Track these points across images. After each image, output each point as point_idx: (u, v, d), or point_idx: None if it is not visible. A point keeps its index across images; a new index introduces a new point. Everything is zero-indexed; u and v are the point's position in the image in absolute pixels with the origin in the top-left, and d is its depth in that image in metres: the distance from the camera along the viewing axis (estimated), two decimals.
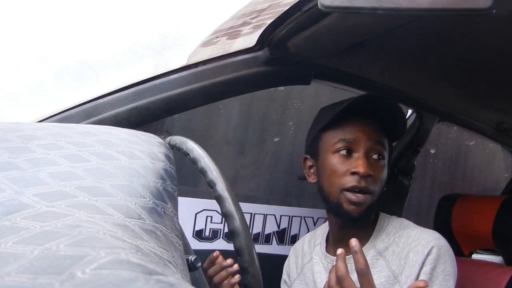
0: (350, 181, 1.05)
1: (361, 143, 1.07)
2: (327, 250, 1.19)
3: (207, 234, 1.47)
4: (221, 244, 1.46)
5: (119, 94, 0.99)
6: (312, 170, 1.17)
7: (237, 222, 0.58)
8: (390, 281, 1.06)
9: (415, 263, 1.03)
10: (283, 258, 1.33)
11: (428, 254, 1.03)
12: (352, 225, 1.13)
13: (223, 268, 1.01)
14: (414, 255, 1.04)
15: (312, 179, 1.16)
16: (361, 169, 1.04)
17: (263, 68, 1.11)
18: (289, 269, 1.28)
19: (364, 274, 0.84)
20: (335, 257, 1.14)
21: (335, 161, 1.08)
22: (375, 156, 1.08)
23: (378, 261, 1.09)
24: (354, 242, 0.85)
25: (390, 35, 1.09)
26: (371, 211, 1.09)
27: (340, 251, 0.87)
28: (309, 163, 1.17)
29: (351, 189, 1.05)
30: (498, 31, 1.06)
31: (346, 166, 1.07)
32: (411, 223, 1.13)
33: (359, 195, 1.05)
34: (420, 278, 1.02)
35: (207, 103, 1.12)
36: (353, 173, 1.05)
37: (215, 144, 1.78)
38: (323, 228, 1.25)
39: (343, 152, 1.08)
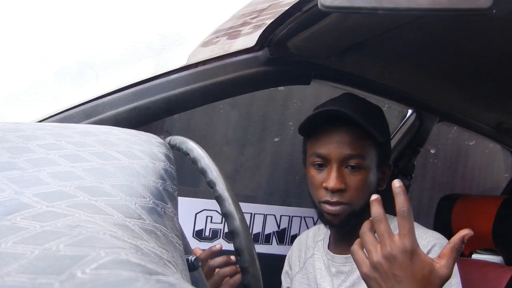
0: (324, 195, 1.06)
1: (333, 157, 1.06)
2: (329, 247, 1.19)
3: (207, 234, 1.47)
4: (221, 244, 1.46)
5: (119, 94, 0.99)
6: None
7: (237, 222, 0.58)
8: None
9: None
10: (283, 258, 1.33)
11: (428, 253, 1.02)
12: (348, 229, 1.13)
13: (228, 262, 1.01)
14: None
15: None
16: (330, 183, 1.04)
17: (263, 68, 1.11)
18: (292, 261, 1.27)
19: (406, 217, 0.73)
20: (336, 255, 1.15)
21: (312, 173, 1.09)
22: (350, 167, 1.06)
23: None
24: (397, 183, 0.75)
25: (390, 35, 1.09)
26: (354, 218, 1.07)
27: (375, 196, 0.77)
28: None
29: (325, 203, 1.06)
30: (498, 31, 1.06)
31: (320, 179, 1.07)
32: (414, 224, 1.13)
33: (333, 206, 1.05)
34: None
35: (207, 103, 1.12)
36: (325, 188, 1.06)
37: (215, 144, 1.78)
38: None
39: (317, 165, 1.08)
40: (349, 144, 1.06)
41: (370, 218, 0.77)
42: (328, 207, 1.06)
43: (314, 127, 1.10)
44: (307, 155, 1.13)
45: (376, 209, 0.76)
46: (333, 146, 1.06)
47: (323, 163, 1.08)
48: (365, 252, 0.77)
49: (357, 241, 0.79)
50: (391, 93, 1.47)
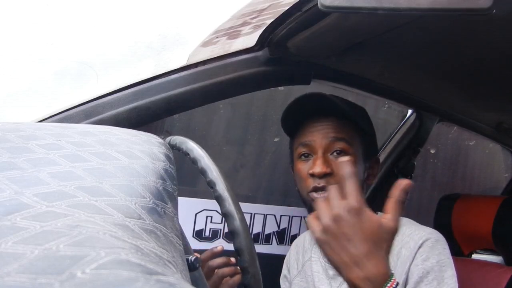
0: (311, 183, 1.06)
1: (317, 143, 1.08)
2: None
3: (207, 234, 1.47)
4: (221, 244, 1.46)
5: (119, 94, 0.99)
6: None
7: (237, 222, 0.58)
8: None
9: (407, 258, 1.01)
10: (283, 258, 1.33)
11: (419, 247, 1.00)
12: None
13: (227, 263, 1.01)
14: (406, 251, 1.02)
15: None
16: (316, 169, 1.05)
17: (263, 68, 1.11)
18: (290, 264, 1.27)
19: (349, 178, 0.71)
20: None
21: (299, 166, 1.10)
22: (336, 153, 1.07)
23: None
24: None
25: (390, 35, 1.09)
26: None
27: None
28: None
29: (313, 191, 1.06)
30: (498, 31, 1.06)
31: (306, 169, 1.08)
32: (409, 221, 1.11)
33: (321, 192, 1.05)
34: (412, 271, 0.99)
35: (207, 103, 1.12)
36: (312, 175, 1.06)
37: (215, 144, 1.78)
38: None
39: (304, 155, 1.10)
40: (333, 129, 1.08)
41: None
42: (315, 195, 1.05)
43: (297, 121, 1.12)
44: (293, 152, 1.14)
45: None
46: (317, 133, 1.09)
47: (309, 153, 1.09)
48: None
49: (313, 213, 0.77)
50: (391, 93, 1.47)
